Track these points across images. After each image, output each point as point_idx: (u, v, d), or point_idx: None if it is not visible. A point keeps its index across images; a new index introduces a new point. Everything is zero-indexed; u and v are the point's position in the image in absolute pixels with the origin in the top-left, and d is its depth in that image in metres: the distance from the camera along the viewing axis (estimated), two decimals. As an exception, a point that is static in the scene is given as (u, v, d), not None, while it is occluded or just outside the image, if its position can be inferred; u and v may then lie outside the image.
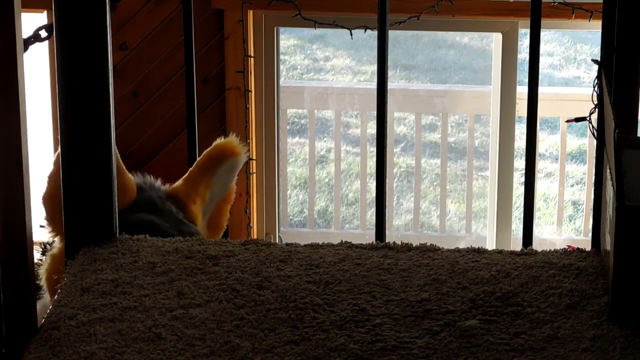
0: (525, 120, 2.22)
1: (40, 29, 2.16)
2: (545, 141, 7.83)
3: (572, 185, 7.21)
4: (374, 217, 2.28)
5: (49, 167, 2.32)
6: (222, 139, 2.55)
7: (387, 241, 2.03)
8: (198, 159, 2.44)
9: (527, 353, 1.58)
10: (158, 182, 2.42)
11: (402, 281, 1.80)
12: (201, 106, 4.21)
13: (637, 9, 1.87)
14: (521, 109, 4.58)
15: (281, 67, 4.75)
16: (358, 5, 4.32)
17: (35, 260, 2.12)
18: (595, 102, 2.00)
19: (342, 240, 2.00)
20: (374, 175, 2.25)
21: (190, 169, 2.47)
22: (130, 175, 2.31)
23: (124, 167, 2.27)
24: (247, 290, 1.76)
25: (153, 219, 2.22)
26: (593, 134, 2.02)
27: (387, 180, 2.25)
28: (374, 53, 2.26)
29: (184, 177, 2.50)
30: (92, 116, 1.94)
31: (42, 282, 2.24)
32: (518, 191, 5.12)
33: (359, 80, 9.01)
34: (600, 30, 1.92)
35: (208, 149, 2.49)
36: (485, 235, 5.10)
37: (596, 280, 1.79)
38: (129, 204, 2.23)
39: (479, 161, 6.81)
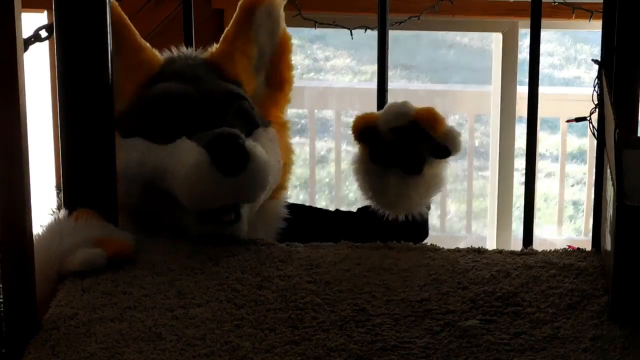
0: (525, 120, 2.21)
1: (40, 29, 2.16)
2: (546, 141, 7.83)
3: (572, 185, 7.20)
4: (374, 217, 2.27)
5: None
6: None
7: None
8: None
9: (527, 353, 1.58)
10: (197, 52, 2.30)
11: (402, 281, 1.80)
12: (201, 106, 4.20)
13: (637, 9, 1.87)
14: (521, 109, 4.57)
15: (281, 67, 4.74)
16: (358, 5, 4.32)
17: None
18: (596, 102, 2.00)
19: (342, 240, 1.99)
20: (374, 175, 2.24)
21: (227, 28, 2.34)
22: (152, 50, 2.19)
23: (144, 43, 2.17)
24: (247, 290, 1.76)
25: (170, 86, 2.11)
26: (593, 134, 2.02)
27: (387, 180, 2.24)
28: (374, 53, 2.25)
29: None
30: (92, 116, 1.93)
31: None
32: (518, 191, 5.11)
33: (359, 80, 9.01)
34: (600, 30, 1.92)
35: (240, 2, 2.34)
36: (485, 235, 5.11)
37: (596, 280, 1.79)
38: (150, 77, 2.14)
39: (479, 161, 6.80)
